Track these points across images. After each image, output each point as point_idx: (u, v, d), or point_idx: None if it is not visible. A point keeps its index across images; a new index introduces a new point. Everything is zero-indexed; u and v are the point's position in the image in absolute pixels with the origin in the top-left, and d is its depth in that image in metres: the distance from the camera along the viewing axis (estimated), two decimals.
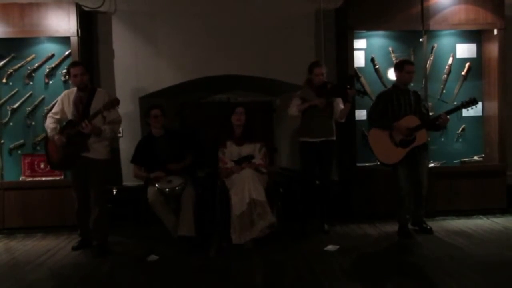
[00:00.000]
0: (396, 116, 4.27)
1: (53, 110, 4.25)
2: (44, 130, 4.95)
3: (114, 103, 3.99)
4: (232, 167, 4.36)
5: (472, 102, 4.22)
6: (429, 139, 4.42)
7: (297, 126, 4.70)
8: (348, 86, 4.52)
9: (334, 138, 4.56)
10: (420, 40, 5.11)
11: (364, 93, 4.80)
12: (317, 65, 4.52)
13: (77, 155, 4.06)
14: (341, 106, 4.54)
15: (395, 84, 4.46)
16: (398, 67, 4.39)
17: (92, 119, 3.96)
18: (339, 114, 4.54)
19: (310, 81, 4.53)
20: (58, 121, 4.17)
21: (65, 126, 4.10)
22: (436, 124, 4.28)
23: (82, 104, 4.09)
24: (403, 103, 4.32)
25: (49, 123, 4.17)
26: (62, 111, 4.17)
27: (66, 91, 4.28)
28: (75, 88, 4.19)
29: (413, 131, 4.20)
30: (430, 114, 4.55)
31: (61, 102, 4.19)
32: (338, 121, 4.59)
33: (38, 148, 5.02)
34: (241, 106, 4.55)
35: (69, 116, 4.11)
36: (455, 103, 5.12)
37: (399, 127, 4.21)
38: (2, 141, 5.01)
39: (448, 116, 4.24)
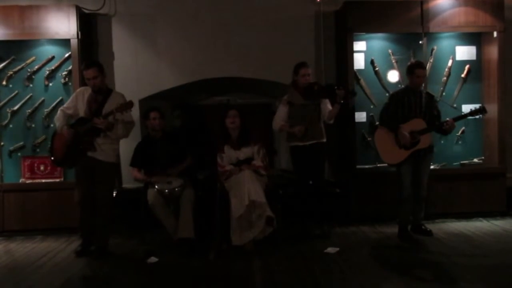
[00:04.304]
0: (406, 117, 4.27)
1: (65, 105, 4.19)
2: (44, 133, 5.00)
3: (128, 105, 3.96)
4: (230, 169, 4.35)
5: (481, 111, 4.24)
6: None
7: None
8: (336, 87, 4.43)
9: (324, 140, 4.51)
10: (420, 42, 5.12)
11: (354, 93, 4.60)
12: (303, 65, 4.45)
13: (82, 154, 4.01)
14: (329, 107, 4.47)
15: (407, 85, 4.43)
16: (409, 71, 4.35)
17: (105, 118, 3.93)
18: (327, 115, 4.46)
19: (296, 82, 4.48)
20: (68, 117, 4.13)
21: (75, 122, 4.07)
22: (443, 129, 4.29)
23: (96, 104, 4.05)
24: (413, 105, 4.29)
25: (59, 116, 4.12)
26: (75, 107, 4.12)
27: (82, 88, 4.21)
28: None
29: (418, 134, 4.21)
30: None
31: (76, 98, 4.14)
32: (327, 123, 4.53)
33: (38, 150, 5.02)
34: (234, 109, 4.50)
35: (81, 113, 4.07)
36: (462, 110, 5.13)
37: (402, 135, 4.19)
38: (2, 143, 5.00)
39: (455, 123, 4.26)
